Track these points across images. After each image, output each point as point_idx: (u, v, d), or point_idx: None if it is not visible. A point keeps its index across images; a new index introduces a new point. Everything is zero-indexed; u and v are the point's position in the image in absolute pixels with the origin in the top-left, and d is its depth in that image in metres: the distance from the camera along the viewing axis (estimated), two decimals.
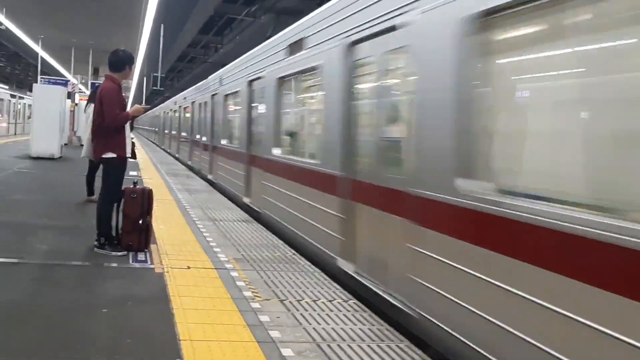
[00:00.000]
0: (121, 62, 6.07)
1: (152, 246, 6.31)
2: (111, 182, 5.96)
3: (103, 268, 5.42)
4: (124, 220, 6.05)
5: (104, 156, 5.89)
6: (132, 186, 6.12)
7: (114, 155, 5.88)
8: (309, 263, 6.24)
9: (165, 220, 8.03)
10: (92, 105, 9.32)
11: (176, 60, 35.93)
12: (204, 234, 7.39)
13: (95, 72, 36.16)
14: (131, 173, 11.59)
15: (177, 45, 30.42)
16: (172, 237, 7.02)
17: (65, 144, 19.02)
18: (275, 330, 4.04)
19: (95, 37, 26.65)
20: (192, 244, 6.76)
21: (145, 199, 6.11)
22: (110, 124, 5.82)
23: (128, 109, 6.20)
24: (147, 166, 17.34)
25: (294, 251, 6.81)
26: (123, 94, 6.20)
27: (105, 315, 4.11)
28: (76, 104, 25.84)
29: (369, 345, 3.91)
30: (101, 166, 6.15)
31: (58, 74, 42.99)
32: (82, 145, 18.27)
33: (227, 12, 21.88)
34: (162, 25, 23.76)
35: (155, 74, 28.06)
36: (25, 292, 4.52)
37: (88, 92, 33.37)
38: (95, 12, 21.09)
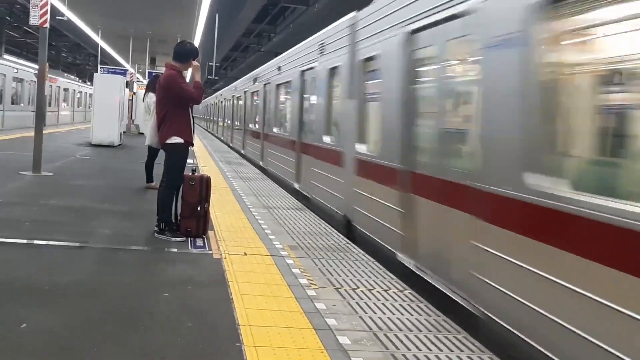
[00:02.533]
0: (188, 54, 6.18)
1: (210, 232, 6.43)
2: (174, 168, 6.10)
3: (163, 253, 5.56)
4: (183, 206, 6.18)
5: (168, 141, 6.02)
6: (191, 173, 6.24)
7: (179, 140, 6.00)
8: (363, 252, 6.24)
9: (221, 207, 8.17)
10: (151, 94, 9.60)
11: (230, 49, 36.35)
12: (259, 221, 7.48)
13: (152, 61, 36.98)
14: (187, 161, 11.82)
15: (231, 34, 30.75)
16: (228, 223, 7.14)
17: (124, 132, 19.57)
18: (331, 318, 4.06)
19: (152, 27, 27.22)
20: (247, 230, 6.85)
21: (203, 186, 6.23)
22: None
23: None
24: (202, 154, 17.66)
25: (347, 240, 6.82)
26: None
27: (166, 299, 4.22)
28: (134, 93, 26.50)
29: (426, 336, 3.89)
30: (163, 153, 6.28)
31: (117, 63, 44.14)
32: (140, 133, 18.66)
33: (280, 0, 21.95)
34: (217, 14, 24.03)
35: (210, 63, 28.44)
36: (89, 275, 4.69)
37: (145, 82, 34.20)
38: (153, 2, 21.54)
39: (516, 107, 3.75)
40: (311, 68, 9.77)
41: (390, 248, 5.95)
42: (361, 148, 7.20)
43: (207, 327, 3.73)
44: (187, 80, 6.79)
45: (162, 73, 6.58)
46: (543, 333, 3.40)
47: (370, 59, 6.94)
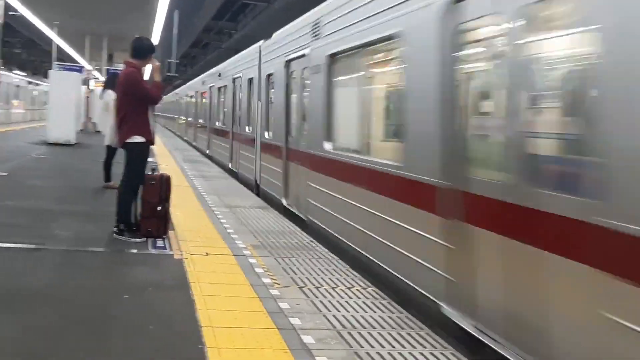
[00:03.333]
0: (146, 50, 6.09)
1: (170, 232, 6.34)
2: (134, 168, 6.00)
3: (123, 254, 5.46)
4: (143, 206, 6.08)
5: (128, 140, 5.91)
6: (150, 173, 6.15)
7: (140, 139, 5.90)
8: (327, 250, 6.25)
9: (182, 207, 8.06)
10: (109, 92, 9.41)
11: (190, 46, 35.93)
12: (221, 221, 7.42)
13: (110, 58, 36.26)
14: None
15: (191, 30, 30.41)
16: (189, 223, 7.05)
17: (81, 130, 19.16)
18: (295, 317, 4.06)
19: (109, 24, 26.69)
20: (209, 230, 6.79)
21: (164, 185, 6.14)
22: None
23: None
24: (162, 152, 17.42)
25: (311, 238, 6.82)
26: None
27: (126, 302, 4.15)
28: (91, 90, 25.96)
29: (389, 333, 3.92)
30: (123, 153, 6.17)
31: (73, 61, 43.14)
32: (97, 131, 18.35)
33: None
34: (176, 11, 23.71)
35: (169, 60, 28.07)
36: (47, 278, 4.57)
37: (103, 79, 33.54)
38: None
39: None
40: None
41: (430, 295, 4.46)
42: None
43: (169, 330, 3.68)
44: (147, 78, 6.66)
45: (120, 70, 6.48)
46: None
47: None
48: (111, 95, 9.26)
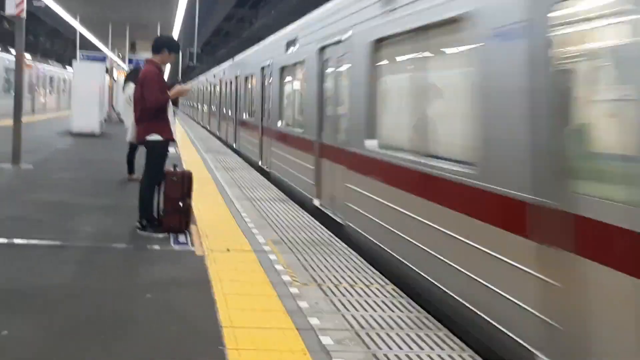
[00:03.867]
0: (159, 45, 6.14)
1: (192, 227, 6.42)
2: (154, 165, 6.07)
3: (146, 251, 5.55)
4: (165, 201, 6.17)
5: (147, 138, 5.99)
6: (172, 169, 6.22)
7: (158, 137, 5.98)
8: (346, 245, 6.28)
9: (203, 200, 8.14)
10: (132, 84, 9.49)
11: (211, 34, 36.03)
12: (242, 214, 7.49)
13: (132, 46, 36.52)
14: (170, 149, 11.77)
15: (212, 19, 30.47)
16: (211, 217, 7.13)
17: (105, 120, 19.40)
18: (314, 317, 4.10)
19: (132, 13, 26.86)
20: (230, 224, 6.86)
21: (185, 181, 6.21)
22: (152, 105, 5.91)
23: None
24: (184, 143, 17.55)
25: (330, 233, 6.85)
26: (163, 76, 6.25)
27: (149, 301, 4.23)
28: (115, 80, 26.19)
29: (407, 334, 3.94)
30: (144, 149, 6.25)
31: (96, 49, 43.53)
32: (121, 120, 18.61)
33: None
34: (197, 1, 23.77)
35: (191, 50, 28.19)
36: (71, 277, 4.67)
37: (126, 67, 33.82)
38: None
39: None
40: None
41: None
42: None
43: (190, 330, 3.74)
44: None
45: (142, 61, 6.57)
46: None
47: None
48: (133, 88, 9.37)
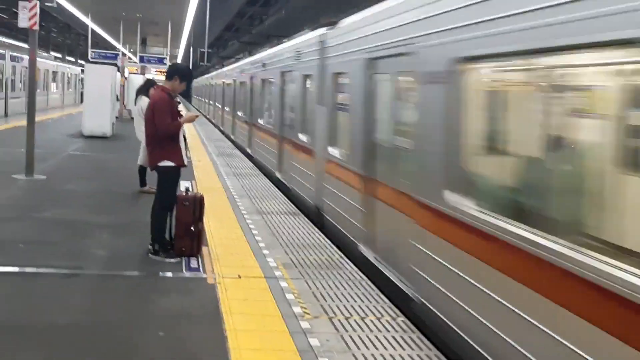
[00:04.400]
0: (172, 72, 6.17)
1: (204, 249, 6.45)
2: (165, 190, 6.10)
3: (157, 279, 5.58)
4: (177, 225, 6.20)
5: (159, 164, 6.02)
6: (184, 193, 6.25)
7: (169, 163, 6.01)
8: (356, 269, 6.29)
9: (215, 214, 8.16)
10: (143, 97, 9.54)
11: (222, 30, 36.01)
12: (253, 232, 7.51)
13: (143, 42, 36.62)
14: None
15: (223, 15, 30.43)
16: (222, 236, 7.16)
17: (116, 117, 19.47)
18: (325, 358, 4.12)
19: (143, 10, 26.93)
20: (241, 244, 6.88)
21: (197, 205, 6.24)
22: (163, 133, 5.93)
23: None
24: (195, 144, 17.60)
25: (340, 253, 6.86)
26: (175, 102, 6.27)
27: (161, 339, 4.26)
28: (126, 78, 26.28)
29: None
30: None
31: (107, 44, 43.63)
32: (132, 118, 18.65)
33: None
34: None
35: (202, 50, 28.20)
36: (83, 311, 4.68)
37: (137, 61, 33.85)
38: None
39: None
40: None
41: None
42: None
43: None
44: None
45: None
46: None
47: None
48: (145, 101, 9.40)
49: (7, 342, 4.02)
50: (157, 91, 6.18)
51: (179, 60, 50.13)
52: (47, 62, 32.89)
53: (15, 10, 31.54)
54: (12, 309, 4.61)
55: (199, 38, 33.41)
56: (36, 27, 9.67)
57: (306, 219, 8.62)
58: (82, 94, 38.38)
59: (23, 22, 9.59)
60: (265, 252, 6.66)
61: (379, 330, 4.68)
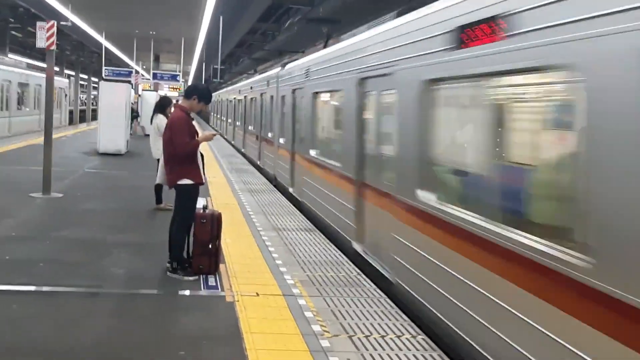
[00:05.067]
0: (192, 92, 6.22)
1: (221, 266, 6.46)
2: (184, 209, 6.13)
3: (176, 297, 5.59)
4: (195, 243, 6.22)
5: (178, 183, 6.06)
6: (201, 211, 6.27)
7: (188, 181, 6.04)
8: (375, 286, 6.27)
9: (231, 231, 8.18)
10: (160, 115, 9.62)
11: (234, 46, 36.29)
12: (269, 249, 7.52)
13: (156, 59, 37.04)
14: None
15: (235, 32, 30.70)
16: (239, 253, 7.17)
17: (130, 134, 19.65)
18: None
19: (156, 28, 27.25)
20: (258, 262, 6.89)
21: (214, 223, 6.26)
22: (181, 152, 5.97)
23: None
24: (209, 161, 17.68)
25: (358, 270, 6.85)
26: (192, 121, 6.31)
27: (182, 358, 4.26)
28: (139, 95, 26.53)
29: None
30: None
31: (120, 61, 44.12)
32: (147, 135, 18.73)
33: (285, 3, 21.90)
34: (221, 17, 23.99)
35: (215, 66, 28.43)
36: (104, 333, 4.67)
37: (150, 78, 34.15)
38: (157, 4, 21.54)
39: None
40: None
41: None
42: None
43: None
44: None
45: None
46: None
47: None
48: (161, 119, 9.49)
49: None
50: (176, 110, 6.22)
51: (191, 77, 50.62)
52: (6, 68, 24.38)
53: (31, 29, 32.01)
54: (34, 329, 4.63)
55: (211, 55, 33.69)
56: (53, 47, 9.80)
57: (322, 235, 8.62)
58: (70, 112, 38.32)
59: (41, 42, 9.73)
60: (283, 269, 6.66)
61: (400, 349, 4.65)
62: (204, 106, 6.23)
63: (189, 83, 51.72)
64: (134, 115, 20.21)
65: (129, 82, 25.04)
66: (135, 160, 16.83)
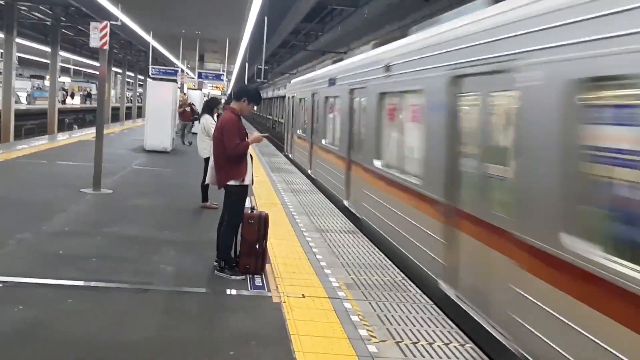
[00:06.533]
0: (241, 93, 6.29)
1: (267, 266, 6.52)
2: (233, 209, 6.20)
3: (224, 296, 5.65)
4: (242, 243, 6.29)
5: (228, 183, 6.14)
6: (249, 212, 6.34)
7: (237, 182, 6.12)
8: (420, 292, 6.22)
9: (275, 231, 8.23)
10: (207, 116, 9.76)
11: (277, 46, 36.58)
12: (314, 250, 7.55)
13: (201, 58, 37.56)
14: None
15: (279, 33, 30.94)
16: (284, 254, 7.22)
17: (176, 132, 20.00)
18: None
19: (202, 28, 27.65)
20: (303, 263, 6.92)
21: (262, 224, 6.32)
22: (231, 153, 6.05)
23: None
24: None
25: (402, 274, 6.81)
26: (242, 122, 6.38)
27: (231, 358, 4.31)
28: (185, 94, 26.93)
29: None
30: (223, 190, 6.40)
31: (167, 60, 44.90)
32: (194, 133, 18.90)
33: (330, 3, 21.98)
34: (265, 17, 24.18)
35: (259, 66, 28.70)
36: (155, 330, 4.73)
37: (195, 77, 34.63)
38: (203, 5, 21.86)
39: None
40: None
41: None
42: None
43: None
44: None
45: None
46: None
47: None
48: (209, 120, 9.63)
49: (75, 357, 4.14)
50: (227, 112, 6.30)
51: (233, 76, 51.17)
52: None
53: (81, 28, 32.80)
54: (87, 324, 4.74)
55: (255, 54, 34.00)
56: (106, 47, 10.04)
57: (366, 238, 8.60)
58: (116, 109, 38.57)
59: (94, 42, 9.98)
60: (327, 271, 6.67)
61: (448, 357, 4.61)
62: (253, 107, 6.29)
63: (231, 83, 52.38)
64: (195, 117, 20.31)
65: (175, 80, 25.37)
66: (181, 157, 17.11)
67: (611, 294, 3.46)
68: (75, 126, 33.58)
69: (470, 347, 4.83)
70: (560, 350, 3.95)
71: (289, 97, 21.26)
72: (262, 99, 34.70)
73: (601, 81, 3.80)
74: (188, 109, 21.28)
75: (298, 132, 18.25)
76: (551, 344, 4.06)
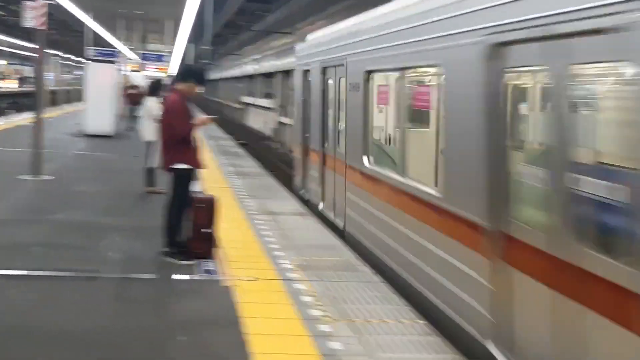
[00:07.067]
0: (188, 74, 6.16)
1: (218, 251, 6.43)
2: (180, 192, 6.09)
3: (174, 282, 5.56)
4: (192, 227, 6.18)
5: (174, 167, 6.01)
6: (198, 195, 6.23)
7: (184, 165, 6.00)
8: (373, 271, 6.27)
9: (225, 216, 8.11)
10: (152, 98, 9.51)
11: (222, 27, 35.97)
12: (264, 233, 7.50)
13: (144, 40, 36.61)
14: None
15: (224, 13, 30.42)
16: (234, 238, 7.13)
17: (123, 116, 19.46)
18: None
19: (143, 7, 26.96)
20: (253, 246, 6.87)
21: (211, 208, 6.22)
22: (179, 134, 5.93)
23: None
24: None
25: (356, 255, 6.85)
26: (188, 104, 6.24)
27: (183, 345, 4.24)
28: (126, 76, 26.25)
29: None
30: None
31: (104, 42, 43.53)
32: (134, 116, 18.34)
33: None
34: None
35: (203, 47, 28.19)
36: (103, 318, 4.64)
37: (137, 57, 33.79)
38: None
39: None
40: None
41: None
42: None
43: None
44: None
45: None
46: None
47: None
48: (153, 102, 9.38)
49: (29, 348, 4.01)
50: (172, 94, 6.15)
51: (175, 57, 49.99)
52: None
53: (13, 7, 31.42)
54: (34, 313, 4.60)
55: (198, 35, 33.36)
56: (44, 27, 9.62)
57: (317, 219, 8.60)
58: (53, 92, 37.10)
59: (29, 21, 9.53)
60: (279, 253, 6.64)
61: (403, 334, 4.66)
62: (200, 90, 6.17)
63: (171, 63, 51.25)
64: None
65: (112, 62, 24.64)
66: (123, 141, 16.67)
67: None
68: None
69: (424, 324, 4.90)
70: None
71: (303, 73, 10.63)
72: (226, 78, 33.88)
73: None
74: (135, 91, 20.59)
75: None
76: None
